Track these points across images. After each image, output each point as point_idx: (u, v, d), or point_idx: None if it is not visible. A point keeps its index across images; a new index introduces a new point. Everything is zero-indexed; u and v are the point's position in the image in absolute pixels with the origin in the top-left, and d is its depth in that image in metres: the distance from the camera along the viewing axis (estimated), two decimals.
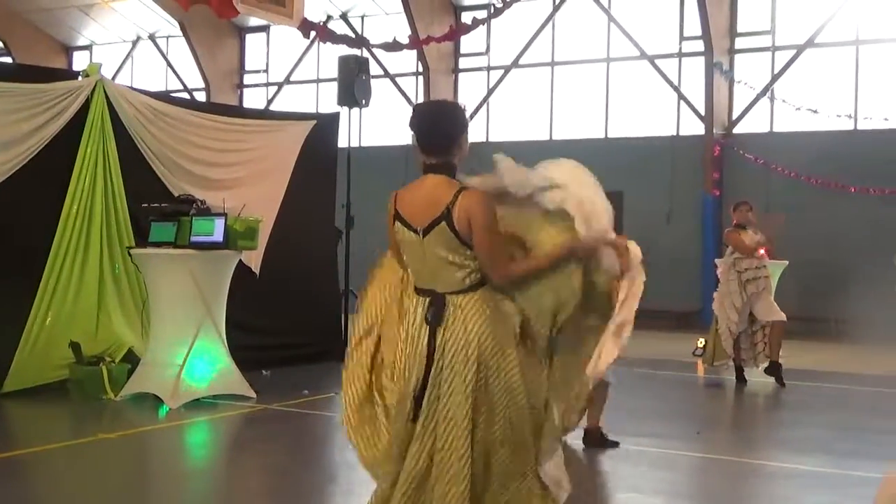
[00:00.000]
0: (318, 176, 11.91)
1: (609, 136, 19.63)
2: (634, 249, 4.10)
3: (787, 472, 6.98)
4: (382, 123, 20.88)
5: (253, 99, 23.93)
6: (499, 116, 21.01)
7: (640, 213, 16.53)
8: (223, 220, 8.85)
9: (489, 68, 21.18)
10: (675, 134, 19.03)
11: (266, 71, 23.83)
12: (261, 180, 11.05)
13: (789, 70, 18.27)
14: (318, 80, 22.84)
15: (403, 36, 16.14)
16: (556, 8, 20.27)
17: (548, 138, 20.24)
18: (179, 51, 24.21)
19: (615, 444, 7.36)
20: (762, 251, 11.01)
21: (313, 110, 19.57)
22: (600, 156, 18.49)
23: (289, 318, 11.20)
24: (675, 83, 19.06)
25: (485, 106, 21.05)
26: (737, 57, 18.80)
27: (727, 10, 18.61)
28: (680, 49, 19.15)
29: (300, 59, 23.02)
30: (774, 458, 7.47)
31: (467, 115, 4.11)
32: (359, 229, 12.73)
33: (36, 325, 9.10)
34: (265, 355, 10.56)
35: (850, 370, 12.33)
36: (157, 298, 8.95)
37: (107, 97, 9.64)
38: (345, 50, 14.70)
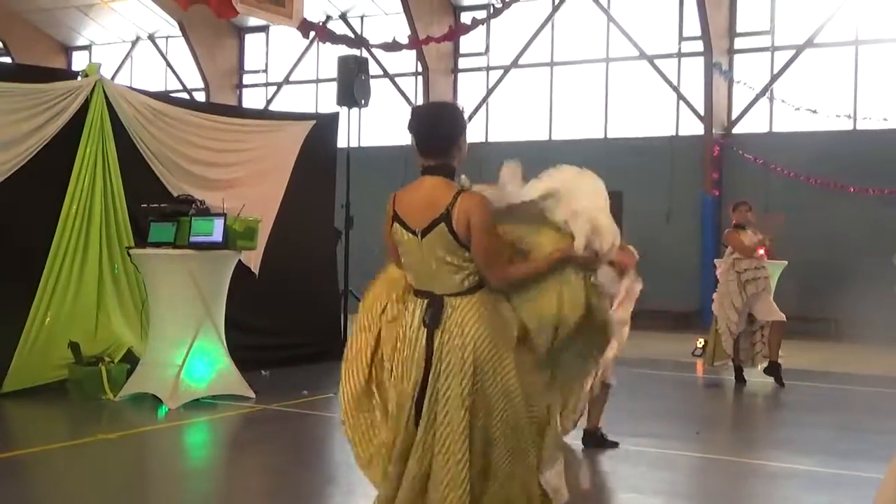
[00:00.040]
0: (317, 176, 11.91)
1: (608, 136, 19.62)
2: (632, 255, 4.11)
3: (786, 472, 6.98)
4: (382, 124, 20.86)
5: (252, 99, 23.92)
6: (498, 117, 21.00)
7: (639, 214, 16.51)
8: (222, 221, 8.85)
9: (488, 68, 21.18)
10: (674, 134, 19.03)
11: (265, 71, 23.83)
12: (260, 180, 11.04)
13: (788, 70, 18.26)
14: (317, 81, 22.83)
15: (403, 36, 16.15)
16: (555, 8, 20.26)
17: (547, 138, 20.23)
18: (179, 51, 24.20)
19: (615, 445, 7.36)
20: (761, 251, 11.02)
21: (313, 110, 19.56)
22: (600, 156, 18.56)
23: (288, 319, 11.20)
24: (675, 83, 19.06)
25: (484, 106, 21.05)
26: (736, 57, 18.79)
27: (726, 11, 18.61)
28: (679, 49, 19.14)
29: (299, 60, 23.01)
30: (774, 458, 7.47)
31: (466, 116, 4.10)
32: (358, 229, 12.73)
33: (35, 326, 9.10)
34: (264, 355, 10.56)
35: (850, 370, 12.33)
36: (157, 298, 8.95)
37: (106, 97, 9.64)
38: (344, 50, 14.70)
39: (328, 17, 22.00)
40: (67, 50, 26.00)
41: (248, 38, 24.02)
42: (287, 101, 22.81)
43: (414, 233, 3.91)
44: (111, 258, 9.64)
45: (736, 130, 18.68)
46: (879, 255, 15.15)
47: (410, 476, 3.86)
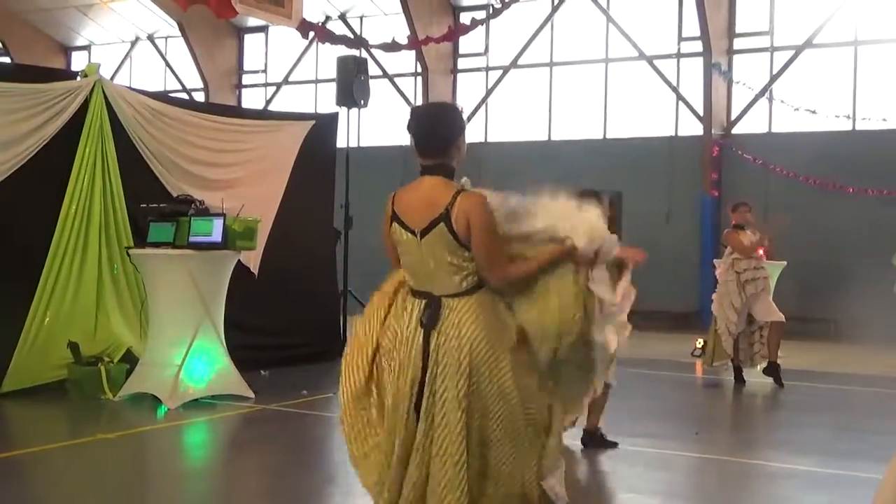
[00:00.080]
0: (316, 176, 11.91)
1: (608, 136, 19.62)
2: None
3: (785, 473, 6.98)
4: (381, 124, 20.87)
5: (251, 99, 23.92)
6: (497, 117, 21.00)
7: (638, 214, 16.50)
8: (222, 221, 8.85)
9: (488, 69, 21.18)
10: (673, 134, 19.04)
11: (265, 71, 23.82)
12: (259, 180, 11.04)
13: (788, 70, 18.27)
14: (316, 81, 22.83)
15: (402, 36, 16.15)
16: (554, 9, 20.27)
17: (546, 139, 20.24)
18: (178, 51, 24.20)
19: (614, 445, 7.36)
20: (760, 251, 11.02)
21: (312, 110, 19.57)
22: (599, 156, 18.65)
23: (287, 319, 11.20)
24: (674, 84, 19.07)
25: (483, 106, 21.05)
26: (735, 57, 18.80)
27: (725, 11, 18.62)
28: (678, 49, 19.15)
29: (299, 60, 23.01)
30: (773, 458, 7.47)
31: (465, 116, 4.11)
32: (357, 229, 12.74)
33: (34, 325, 9.10)
34: (264, 355, 10.56)
35: (849, 371, 12.34)
36: (156, 298, 8.95)
37: (105, 97, 9.64)
38: (343, 50, 14.71)
39: (327, 18, 22.01)
40: (67, 50, 25.99)
41: (248, 38, 24.02)
42: (286, 102, 22.82)
43: (413, 233, 3.91)
44: (110, 258, 9.64)
45: (735, 131, 18.69)
46: (878, 256, 15.11)
47: (411, 482, 3.85)
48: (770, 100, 18.31)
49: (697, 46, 18.59)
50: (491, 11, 17.03)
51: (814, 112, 17.49)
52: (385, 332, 4.05)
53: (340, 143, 12.58)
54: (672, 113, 19.16)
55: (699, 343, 12.79)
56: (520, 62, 20.68)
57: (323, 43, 15.49)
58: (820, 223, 16.77)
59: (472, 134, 18.57)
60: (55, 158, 9.27)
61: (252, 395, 9.06)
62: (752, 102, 18.53)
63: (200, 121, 10.70)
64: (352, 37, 18.22)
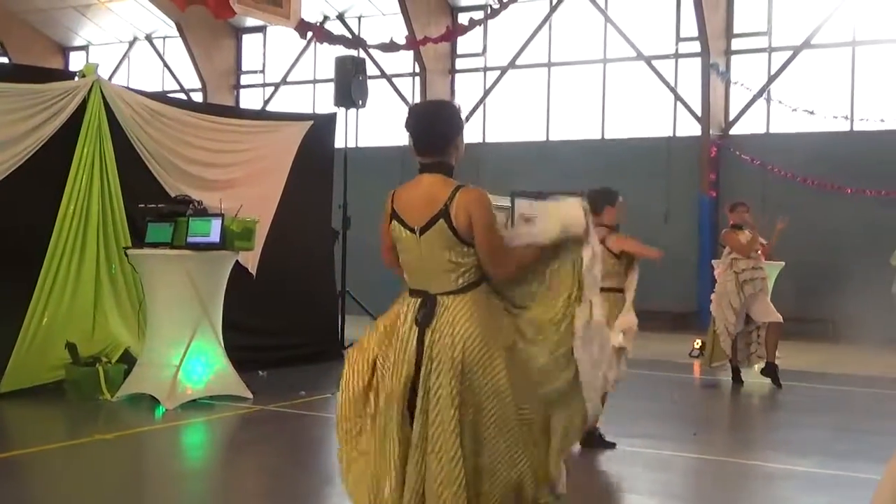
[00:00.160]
0: (314, 176, 11.91)
1: (605, 136, 19.62)
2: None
3: (783, 474, 6.98)
4: (379, 124, 20.87)
5: (250, 99, 23.90)
6: (495, 117, 20.99)
7: (636, 215, 16.44)
8: (220, 221, 8.85)
9: (486, 69, 21.17)
10: (671, 135, 19.03)
11: (263, 71, 23.81)
12: (258, 181, 11.04)
13: (786, 71, 18.27)
14: (314, 81, 22.82)
15: (400, 37, 16.13)
16: (552, 9, 20.27)
17: (544, 139, 20.23)
18: (176, 51, 24.18)
19: (612, 446, 7.36)
20: (759, 251, 11.01)
21: (310, 111, 19.56)
22: (597, 157, 18.64)
23: (285, 319, 11.20)
24: (672, 84, 19.07)
25: (481, 107, 21.03)
26: (733, 58, 18.80)
27: (723, 12, 18.62)
28: (676, 50, 19.15)
29: (297, 60, 23.00)
30: (771, 459, 7.47)
31: (463, 115, 4.11)
32: (355, 230, 12.75)
33: (32, 326, 9.09)
34: (262, 356, 10.56)
35: (847, 371, 12.34)
36: (154, 299, 8.94)
37: (103, 97, 9.64)
38: (342, 51, 14.70)
39: (325, 18, 21.99)
40: (64, 50, 25.97)
41: (246, 38, 24.00)
42: (284, 102, 22.80)
43: (412, 230, 3.91)
44: (108, 258, 9.64)
45: (733, 131, 18.69)
46: (876, 256, 15.20)
47: (411, 483, 3.83)
48: (768, 100, 18.31)
49: (695, 47, 18.59)
50: (489, 12, 17.01)
51: (812, 113, 17.49)
52: (386, 339, 4.05)
53: (338, 143, 12.58)
54: (670, 113, 19.15)
55: (697, 344, 12.80)
56: (518, 62, 20.68)
57: (321, 43, 15.48)
58: (818, 224, 16.77)
59: (470, 134, 18.60)
60: (53, 159, 9.27)
61: (250, 395, 9.06)
62: (750, 103, 18.53)
63: (198, 121, 10.70)
64: (350, 37, 18.19)
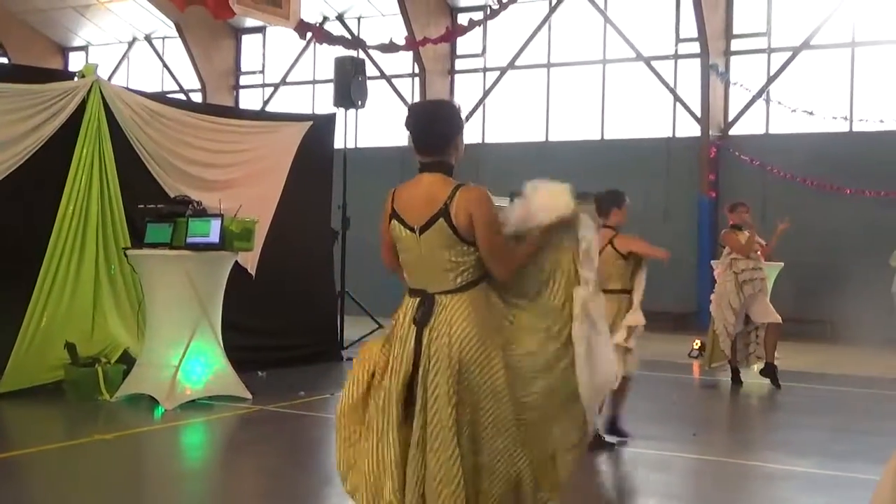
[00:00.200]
0: (314, 177, 11.91)
1: (605, 137, 19.63)
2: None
3: (783, 474, 6.98)
4: (378, 125, 20.89)
5: (249, 100, 23.90)
6: (495, 118, 21.00)
7: (635, 215, 16.43)
8: (219, 221, 8.85)
9: (485, 70, 21.17)
10: (670, 136, 19.04)
11: (262, 72, 23.82)
12: (257, 181, 11.04)
13: (785, 72, 18.28)
14: (314, 82, 22.82)
15: (400, 37, 16.13)
16: (552, 9, 20.27)
17: (544, 140, 20.23)
18: (175, 52, 24.18)
19: (611, 446, 7.36)
20: (758, 251, 11.01)
21: (309, 111, 19.56)
22: (596, 157, 18.63)
23: (285, 319, 11.20)
24: (671, 85, 19.07)
25: (481, 107, 21.04)
26: (733, 59, 18.81)
27: (723, 12, 18.63)
28: (676, 51, 19.15)
29: (296, 61, 23.00)
30: (770, 459, 7.47)
31: (463, 114, 4.11)
32: (354, 230, 12.75)
33: (31, 326, 9.09)
34: (261, 356, 10.57)
35: (846, 372, 12.34)
36: (153, 299, 8.94)
37: (103, 98, 9.64)
38: (341, 51, 14.70)
39: (325, 19, 22.00)
40: (64, 51, 25.98)
41: (245, 38, 24.00)
42: (284, 102, 22.81)
43: (412, 229, 3.91)
44: (108, 259, 9.64)
45: (732, 132, 18.70)
46: (875, 257, 15.20)
47: (412, 485, 3.83)
48: (767, 101, 18.32)
49: (695, 48, 18.60)
50: (488, 12, 17.01)
51: (811, 113, 17.50)
52: (387, 344, 4.05)
53: (338, 143, 12.58)
54: (669, 114, 19.16)
55: (696, 344, 12.81)
56: (517, 63, 20.69)
57: (320, 44, 15.48)
58: (817, 224, 16.78)
59: (470, 135, 18.60)
60: (52, 159, 9.27)
61: (249, 395, 9.06)
62: (749, 104, 18.53)
63: (198, 121, 10.70)
64: (349, 38, 18.18)
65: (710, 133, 18.33)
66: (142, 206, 9.37)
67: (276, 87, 23.42)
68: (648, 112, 19.26)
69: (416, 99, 20.86)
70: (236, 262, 9.42)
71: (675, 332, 16.20)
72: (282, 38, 22.24)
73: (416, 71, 21.09)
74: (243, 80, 24.12)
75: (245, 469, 7.12)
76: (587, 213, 4.11)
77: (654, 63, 19.18)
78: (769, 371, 10.76)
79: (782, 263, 13.72)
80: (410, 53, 19.72)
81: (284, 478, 6.59)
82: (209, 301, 8.92)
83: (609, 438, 7.46)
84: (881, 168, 16.68)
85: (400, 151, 17.28)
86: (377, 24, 21.62)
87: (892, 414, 9.68)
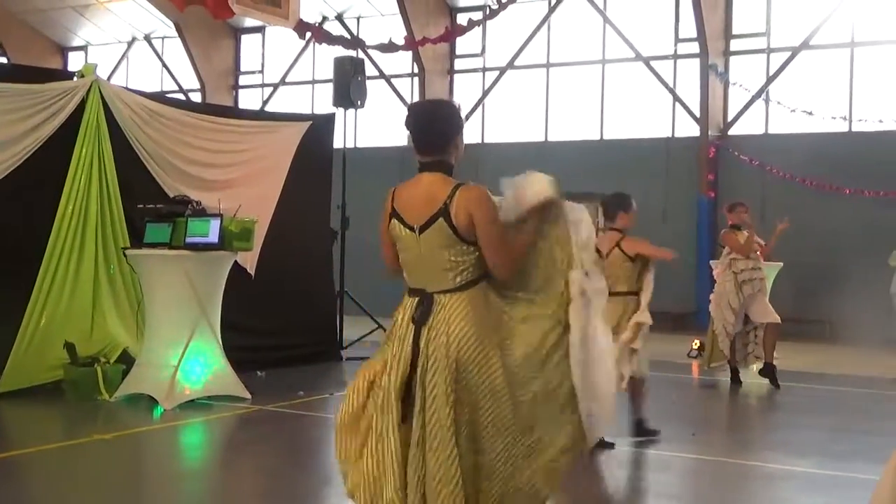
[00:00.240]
0: (313, 177, 11.91)
1: (604, 137, 19.63)
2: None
3: (782, 474, 6.98)
4: (378, 125, 20.89)
5: (248, 100, 23.90)
6: (494, 118, 21.00)
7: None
8: (218, 221, 8.85)
9: (484, 70, 21.18)
10: (670, 135, 19.04)
11: (262, 72, 23.81)
12: (256, 181, 11.04)
13: (784, 72, 18.29)
14: (313, 82, 22.82)
15: (399, 37, 16.13)
16: (551, 9, 20.28)
17: (543, 140, 20.23)
18: (175, 51, 24.18)
19: (610, 446, 7.35)
20: (758, 251, 11.01)
21: (309, 111, 19.56)
22: (595, 157, 18.64)
23: (284, 319, 11.20)
24: (671, 85, 19.07)
25: (480, 107, 21.05)
26: (732, 59, 18.82)
27: (722, 12, 18.63)
28: (675, 51, 19.15)
29: (296, 61, 23.00)
30: (770, 459, 7.47)
31: (463, 114, 4.11)
32: (354, 230, 12.74)
33: (31, 326, 9.09)
34: (260, 356, 10.57)
35: (845, 372, 12.34)
36: (152, 299, 8.94)
37: (102, 98, 9.64)
38: (340, 51, 14.71)
39: (324, 18, 22.00)
40: (63, 50, 25.97)
41: (245, 38, 24.00)
42: (283, 102, 22.81)
43: (412, 229, 3.91)
44: (107, 258, 9.64)
45: (732, 132, 18.70)
46: (875, 257, 15.19)
47: (413, 485, 3.83)
48: (766, 101, 18.32)
49: (694, 48, 18.61)
50: (488, 12, 17.00)
51: (810, 113, 17.50)
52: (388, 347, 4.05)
53: (337, 143, 12.58)
54: (669, 114, 19.16)
55: (696, 344, 12.81)
56: (516, 63, 20.69)
57: (320, 44, 15.47)
58: (816, 224, 16.78)
59: (469, 135, 18.56)
60: (52, 159, 9.27)
61: (248, 395, 9.06)
62: (748, 104, 18.54)
63: (197, 121, 10.70)
64: (349, 37, 18.18)
65: (710, 133, 18.33)
66: (141, 205, 9.37)
67: (276, 87, 23.42)
68: (648, 112, 19.26)
69: (416, 99, 20.85)
70: (235, 261, 9.42)
71: (674, 332, 16.18)
72: (281, 38, 22.24)
73: (416, 71, 21.09)
74: (242, 80, 24.12)
75: (244, 469, 7.11)
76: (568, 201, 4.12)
77: (653, 63, 19.18)
78: (768, 371, 10.76)
79: (781, 263, 13.72)
80: (410, 53, 19.72)
81: (283, 478, 6.59)
82: (208, 301, 8.92)
83: (638, 439, 7.51)
84: (880, 168, 16.69)
85: (399, 151, 17.27)
86: (376, 23, 21.62)
87: (891, 414, 9.69)
